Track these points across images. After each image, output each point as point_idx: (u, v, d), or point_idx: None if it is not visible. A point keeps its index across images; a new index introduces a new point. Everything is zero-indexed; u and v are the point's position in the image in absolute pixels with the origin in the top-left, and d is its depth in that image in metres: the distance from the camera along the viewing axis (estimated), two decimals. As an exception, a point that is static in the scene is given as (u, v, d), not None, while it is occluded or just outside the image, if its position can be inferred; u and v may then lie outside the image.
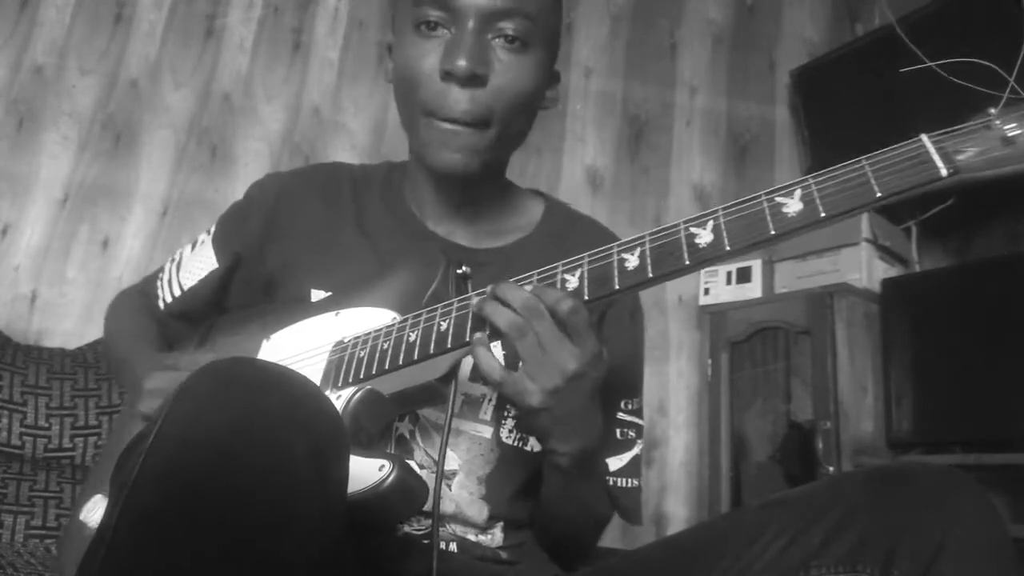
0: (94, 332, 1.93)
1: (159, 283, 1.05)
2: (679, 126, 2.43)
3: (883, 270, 2.00)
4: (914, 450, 1.82)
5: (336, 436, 0.59)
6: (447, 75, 0.84)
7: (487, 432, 0.90)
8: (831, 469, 1.77)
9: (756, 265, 2.11)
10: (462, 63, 0.83)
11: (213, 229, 1.04)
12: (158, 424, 0.55)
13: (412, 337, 0.78)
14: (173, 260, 1.06)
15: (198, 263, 1.02)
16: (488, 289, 0.76)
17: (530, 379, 0.74)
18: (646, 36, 2.48)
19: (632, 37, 2.47)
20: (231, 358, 0.59)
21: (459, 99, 0.85)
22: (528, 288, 0.74)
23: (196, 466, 0.52)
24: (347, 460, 0.62)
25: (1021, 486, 1.57)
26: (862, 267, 1.95)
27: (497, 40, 0.86)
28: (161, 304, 1.03)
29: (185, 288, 1.01)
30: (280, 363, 0.85)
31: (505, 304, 0.73)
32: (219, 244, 1.02)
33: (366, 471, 0.70)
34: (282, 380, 0.58)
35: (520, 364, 0.74)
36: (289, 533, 0.53)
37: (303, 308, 0.92)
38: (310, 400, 0.58)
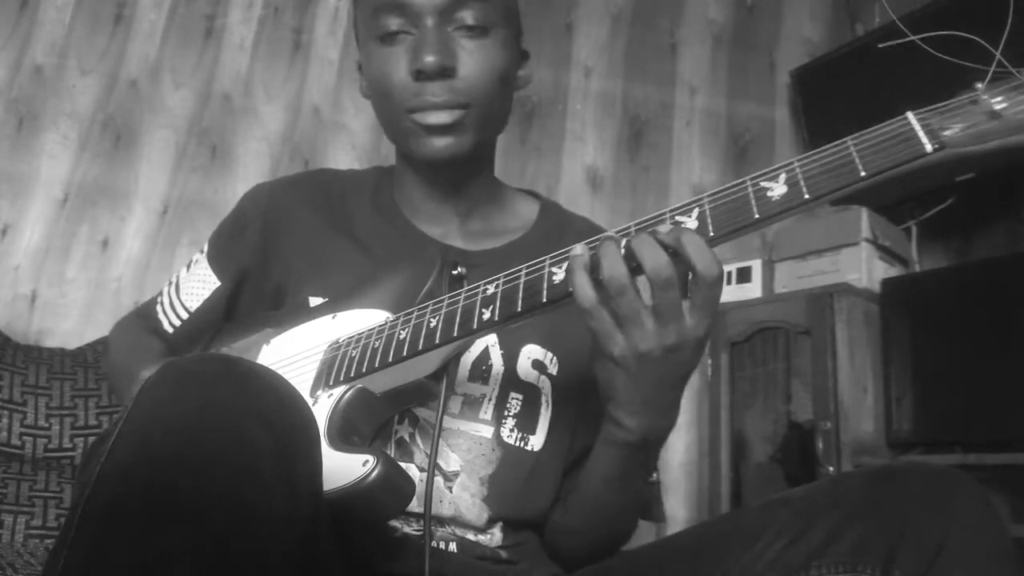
0: (94, 332, 1.94)
1: (158, 308, 1.03)
2: (679, 126, 2.43)
3: (883, 270, 2.00)
4: (914, 450, 1.82)
5: (304, 430, 0.59)
6: (418, 74, 0.87)
7: (487, 432, 0.90)
8: (831, 469, 1.76)
9: (756, 265, 2.11)
10: (430, 59, 0.86)
11: (206, 248, 1.03)
12: (120, 422, 0.55)
13: (403, 335, 0.78)
14: (170, 283, 1.04)
15: (197, 283, 1.01)
16: (626, 233, 0.69)
17: (619, 329, 0.68)
18: (646, 36, 2.48)
19: (632, 37, 2.47)
20: (196, 355, 0.59)
21: (436, 92, 0.88)
22: (665, 234, 0.66)
23: (154, 462, 0.52)
24: (318, 454, 0.61)
25: (1021, 486, 1.57)
26: (862, 267, 1.95)
27: (458, 32, 0.89)
28: (169, 328, 1.01)
29: (191, 310, 1.00)
30: (276, 365, 0.86)
31: (631, 257, 0.66)
32: (219, 262, 1.01)
33: (350, 466, 0.70)
34: (247, 375, 0.57)
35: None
36: (253, 528, 0.52)
37: (302, 313, 0.92)
38: (275, 394, 0.58)
